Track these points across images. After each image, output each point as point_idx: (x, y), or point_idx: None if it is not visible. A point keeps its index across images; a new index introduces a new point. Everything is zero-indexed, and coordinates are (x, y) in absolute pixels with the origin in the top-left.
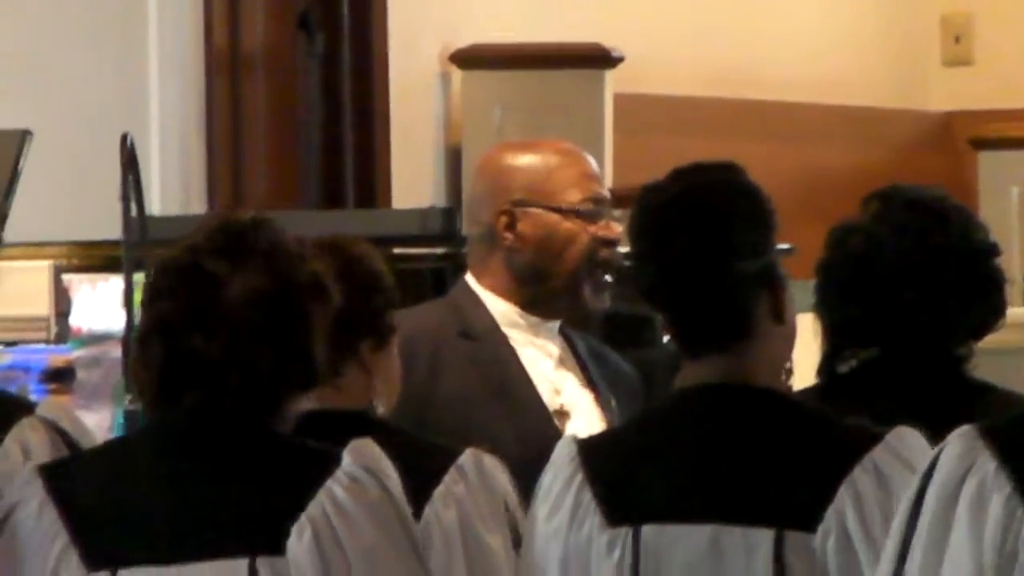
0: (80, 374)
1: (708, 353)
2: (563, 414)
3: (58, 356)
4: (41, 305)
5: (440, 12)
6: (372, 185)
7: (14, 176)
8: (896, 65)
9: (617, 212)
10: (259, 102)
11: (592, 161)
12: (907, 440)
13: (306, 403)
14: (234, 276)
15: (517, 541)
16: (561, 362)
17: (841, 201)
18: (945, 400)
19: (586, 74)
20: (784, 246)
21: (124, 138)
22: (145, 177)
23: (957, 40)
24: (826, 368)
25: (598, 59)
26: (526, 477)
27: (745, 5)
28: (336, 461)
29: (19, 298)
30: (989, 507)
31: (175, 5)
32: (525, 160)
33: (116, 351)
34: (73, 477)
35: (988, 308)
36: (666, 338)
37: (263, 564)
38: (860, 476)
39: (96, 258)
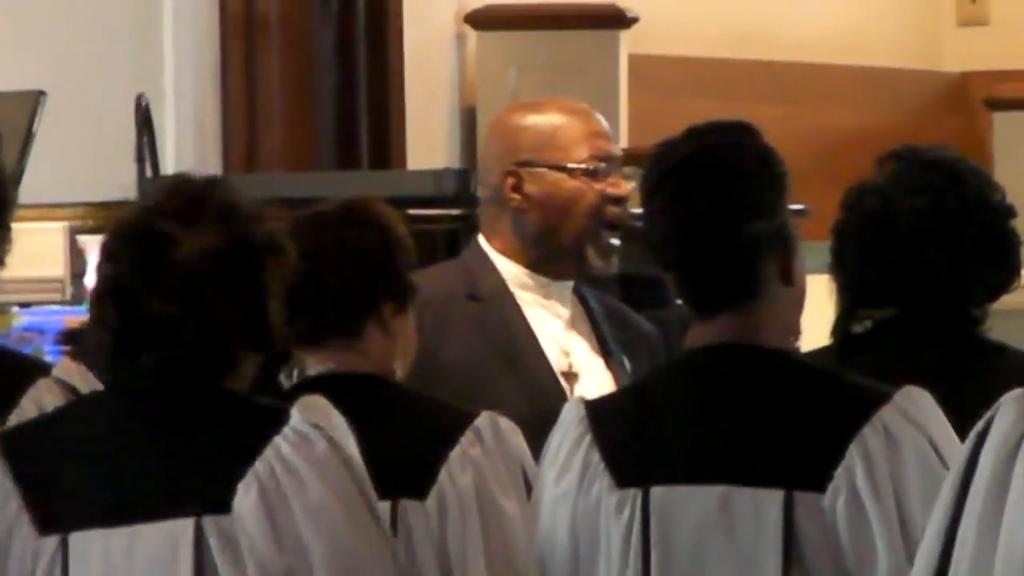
0: None
1: (716, 313)
2: (571, 375)
3: (73, 318)
4: (56, 266)
5: None
6: (387, 146)
7: (28, 137)
8: (911, 25)
9: (627, 169)
10: (274, 63)
11: (602, 119)
12: (915, 400)
13: (327, 365)
14: (187, 236)
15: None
16: (572, 324)
17: (856, 162)
18: (961, 360)
19: (601, 35)
20: (798, 207)
21: (139, 99)
22: (160, 138)
23: (972, 0)
24: (840, 328)
25: (613, 19)
26: (533, 438)
27: None
28: (286, 418)
29: (34, 259)
30: None
31: None
32: (531, 120)
33: None
34: (28, 441)
35: (1005, 268)
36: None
37: (209, 523)
38: (870, 435)
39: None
